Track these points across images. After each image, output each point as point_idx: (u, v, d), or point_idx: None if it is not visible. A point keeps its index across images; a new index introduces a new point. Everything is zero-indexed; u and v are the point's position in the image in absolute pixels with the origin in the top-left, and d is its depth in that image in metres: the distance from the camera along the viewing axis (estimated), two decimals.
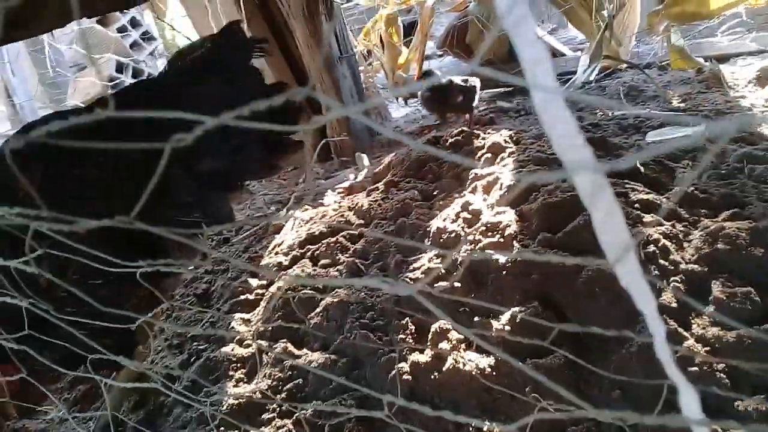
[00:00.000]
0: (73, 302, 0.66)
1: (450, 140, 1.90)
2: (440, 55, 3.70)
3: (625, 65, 2.69)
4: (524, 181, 0.26)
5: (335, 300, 1.24)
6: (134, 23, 5.47)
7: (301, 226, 1.67)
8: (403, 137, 0.33)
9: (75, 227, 0.36)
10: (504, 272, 1.16)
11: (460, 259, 1.25)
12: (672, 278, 1.07)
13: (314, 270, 1.41)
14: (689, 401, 0.32)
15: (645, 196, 1.27)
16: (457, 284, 1.18)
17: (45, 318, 0.65)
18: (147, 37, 5.72)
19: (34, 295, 0.71)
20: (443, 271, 1.23)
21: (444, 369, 1.02)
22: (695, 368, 0.91)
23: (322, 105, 2.42)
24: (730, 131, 0.22)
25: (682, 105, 2.09)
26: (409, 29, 3.26)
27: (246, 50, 1.32)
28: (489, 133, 1.94)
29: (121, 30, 5.19)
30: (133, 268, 0.51)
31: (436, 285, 1.20)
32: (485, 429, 0.93)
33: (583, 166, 0.25)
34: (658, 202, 1.26)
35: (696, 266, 1.08)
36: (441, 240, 1.33)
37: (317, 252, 1.48)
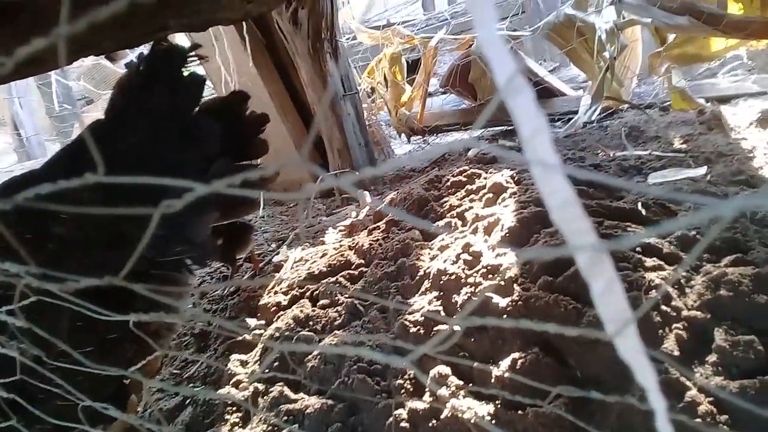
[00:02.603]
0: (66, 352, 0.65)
1: (451, 179, 1.91)
2: (443, 93, 3.74)
3: (626, 106, 2.71)
4: (523, 257, 0.26)
5: (333, 342, 1.23)
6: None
7: (302, 265, 1.66)
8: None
9: (64, 287, 0.36)
10: (504, 317, 1.15)
11: (460, 301, 1.24)
12: (674, 325, 1.06)
13: (313, 311, 1.40)
14: None
15: (647, 240, 1.27)
16: (456, 328, 1.17)
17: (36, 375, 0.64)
18: None
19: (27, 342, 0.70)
20: (443, 314, 1.22)
21: (442, 417, 1.00)
22: (698, 420, 0.89)
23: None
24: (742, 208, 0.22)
25: (684, 146, 2.09)
26: (413, 68, 3.29)
27: (180, 60, 1.33)
28: (491, 172, 1.94)
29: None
30: (122, 319, 0.50)
31: (435, 329, 1.19)
32: None
33: (585, 245, 0.25)
34: (660, 246, 1.25)
35: (698, 313, 1.07)
36: (441, 282, 1.32)
37: (316, 292, 1.47)
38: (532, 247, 1.32)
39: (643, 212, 1.41)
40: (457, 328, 1.14)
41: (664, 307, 1.07)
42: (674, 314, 1.07)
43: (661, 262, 1.20)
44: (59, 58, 0.35)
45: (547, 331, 1.01)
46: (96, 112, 4.61)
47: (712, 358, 0.98)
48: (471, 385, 1.06)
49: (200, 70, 2.99)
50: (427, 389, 1.07)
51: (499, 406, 1.00)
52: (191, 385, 1.30)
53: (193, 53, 1.37)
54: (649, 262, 1.20)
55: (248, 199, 1.43)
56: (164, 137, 1.22)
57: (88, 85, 4.53)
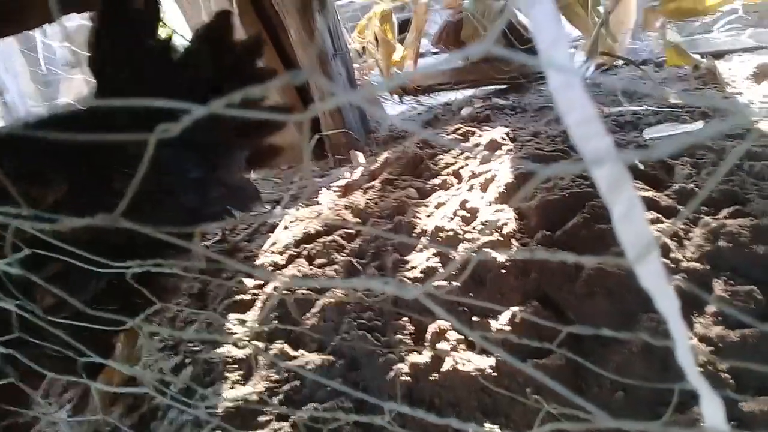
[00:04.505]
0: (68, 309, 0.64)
1: (446, 137, 1.89)
2: (435, 53, 3.68)
3: (621, 62, 2.68)
4: (542, 173, 0.24)
5: (332, 300, 1.22)
6: None
7: (297, 225, 1.64)
8: (415, 126, 0.31)
9: (57, 226, 0.34)
10: (503, 271, 1.15)
11: (458, 258, 1.23)
12: (673, 276, 1.06)
13: (310, 269, 1.39)
14: (713, 411, 0.30)
15: (645, 194, 1.26)
16: (455, 283, 1.16)
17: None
18: None
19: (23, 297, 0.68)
20: (442, 271, 1.21)
21: (443, 370, 1.00)
22: (699, 368, 0.89)
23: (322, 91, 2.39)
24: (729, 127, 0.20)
25: (679, 102, 2.07)
26: (404, 26, 3.23)
27: None
28: (485, 130, 1.92)
29: None
30: (123, 269, 0.49)
31: (435, 285, 1.18)
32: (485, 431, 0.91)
33: (603, 158, 0.24)
34: (658, 199, 1.25)
35: (697, 264, 1.07)
36: (438, 239, 1.31)
37: (313, 251, 1.46)
38: (530, 202, 1.32)
39: (641, 166, 1.40)
40: (456, 283, 1.14)
41: (663, 259, 1.07)
42: (674, 266, 1.07)
43: (659, 215, 1.20)
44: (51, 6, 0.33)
45: (545, 285, 1.00)
46: (82, 76, 4.51)
47: (712, 308, 0.98)
48: (472, 339, 1.06)
49: (186, 32, 2.93)
50: (427, 344, 1.07)
51: (499, 358, 1.00)
52: (190, 344, 1.29)
53: None
54: (647, 215, 1.19)
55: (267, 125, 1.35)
56: (143, 71, 1.17)
57: (73, 47, 4.43)
